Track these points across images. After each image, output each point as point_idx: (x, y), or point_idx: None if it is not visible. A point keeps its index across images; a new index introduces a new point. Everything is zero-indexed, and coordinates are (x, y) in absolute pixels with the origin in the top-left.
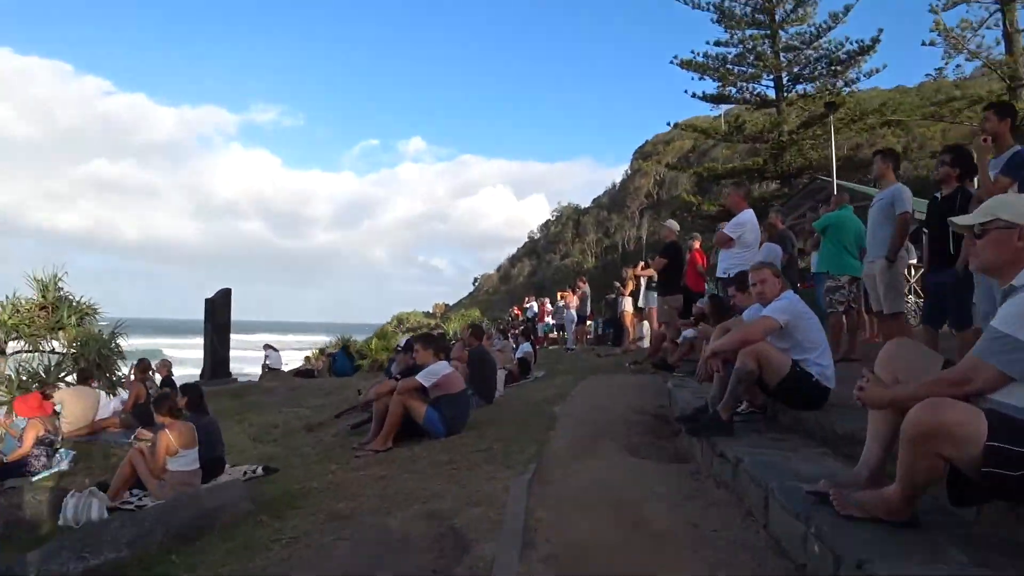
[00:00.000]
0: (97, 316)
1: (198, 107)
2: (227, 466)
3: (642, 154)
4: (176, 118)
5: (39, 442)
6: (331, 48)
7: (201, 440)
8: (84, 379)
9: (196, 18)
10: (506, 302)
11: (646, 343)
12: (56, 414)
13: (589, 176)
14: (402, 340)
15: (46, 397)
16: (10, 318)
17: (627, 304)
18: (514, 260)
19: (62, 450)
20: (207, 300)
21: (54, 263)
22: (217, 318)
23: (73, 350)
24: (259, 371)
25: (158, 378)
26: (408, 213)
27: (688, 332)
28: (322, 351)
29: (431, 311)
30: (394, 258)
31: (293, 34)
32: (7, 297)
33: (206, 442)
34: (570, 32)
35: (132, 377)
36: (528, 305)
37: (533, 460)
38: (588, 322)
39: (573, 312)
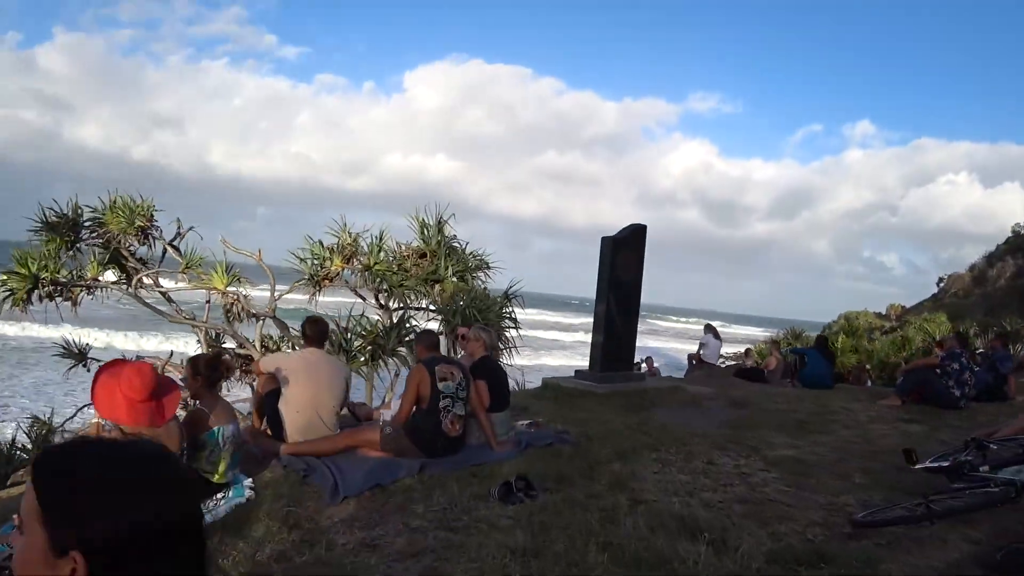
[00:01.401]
0: (488, 273)
1: (639, 99)
2: None
3: None
4: (619, 111)
5: None
6: (769, 31)
7: None
8: (318, 338)
9: (638, 14)
10: (981, 308)
11: None
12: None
13: None
14: None
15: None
16: (376, 264)
17: None
18: (992, 259)
19: (238, 483)
20: (604, 241)
21: (514, 242)
22: (619, 272)
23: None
24: (683, 365)
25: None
26: (852, 204)
27: None
28: (776, 342)
29: (884, 312)
30: (836, 252)
31: (730, 20)
32: (373, 237)
33: None
34: None
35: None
36: None
37: None
38: None
39: None
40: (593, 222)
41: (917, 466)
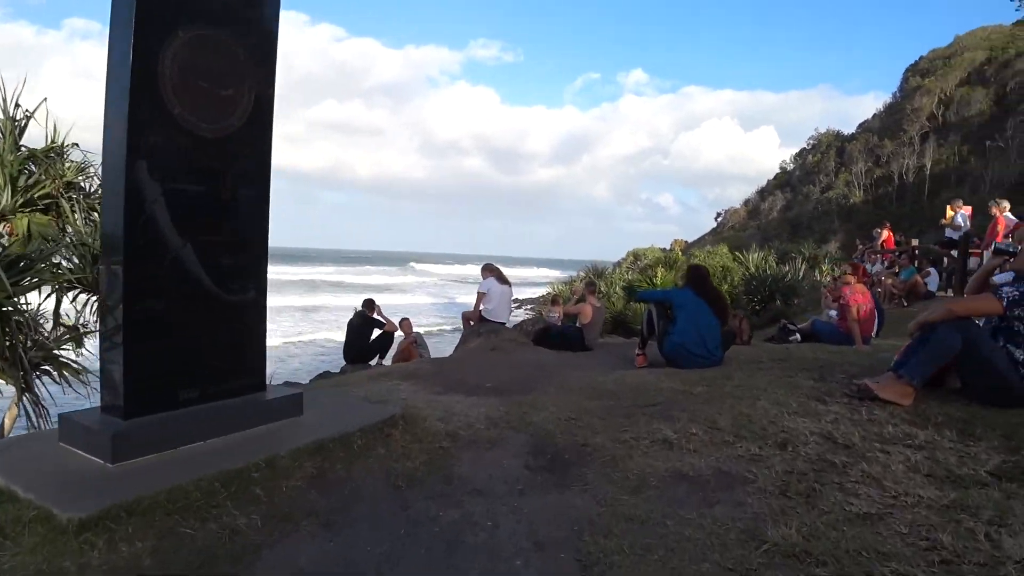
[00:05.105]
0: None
1: (422, 47)
2: None
3: (917, 72)
4: (402, 59)
5: None
6: None
7: None
8: None
9: None
10: (757, 237)
11: None
12: None
13: (827, 105)
14: None
15: None
16: None
17: None
18: (764, 193)
19: None
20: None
21: (300, 197)
22: (174, 97)
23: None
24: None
25: None
26: (629, 148)
27: None
28: (592, 283)
29: (669, 247)
30: (616, 195)
31: None
32: None
33: None
34: None
35: None
36: (957, 212)
37: None
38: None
39: None
40: (379, 170)
41: None
